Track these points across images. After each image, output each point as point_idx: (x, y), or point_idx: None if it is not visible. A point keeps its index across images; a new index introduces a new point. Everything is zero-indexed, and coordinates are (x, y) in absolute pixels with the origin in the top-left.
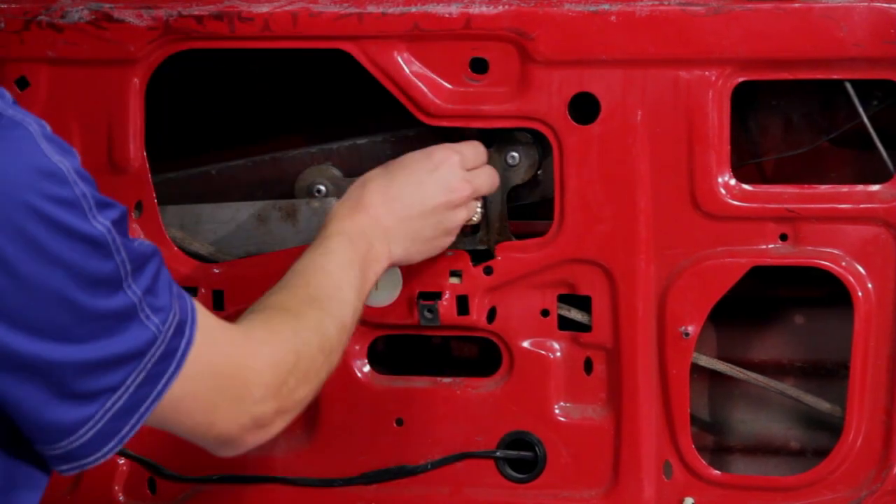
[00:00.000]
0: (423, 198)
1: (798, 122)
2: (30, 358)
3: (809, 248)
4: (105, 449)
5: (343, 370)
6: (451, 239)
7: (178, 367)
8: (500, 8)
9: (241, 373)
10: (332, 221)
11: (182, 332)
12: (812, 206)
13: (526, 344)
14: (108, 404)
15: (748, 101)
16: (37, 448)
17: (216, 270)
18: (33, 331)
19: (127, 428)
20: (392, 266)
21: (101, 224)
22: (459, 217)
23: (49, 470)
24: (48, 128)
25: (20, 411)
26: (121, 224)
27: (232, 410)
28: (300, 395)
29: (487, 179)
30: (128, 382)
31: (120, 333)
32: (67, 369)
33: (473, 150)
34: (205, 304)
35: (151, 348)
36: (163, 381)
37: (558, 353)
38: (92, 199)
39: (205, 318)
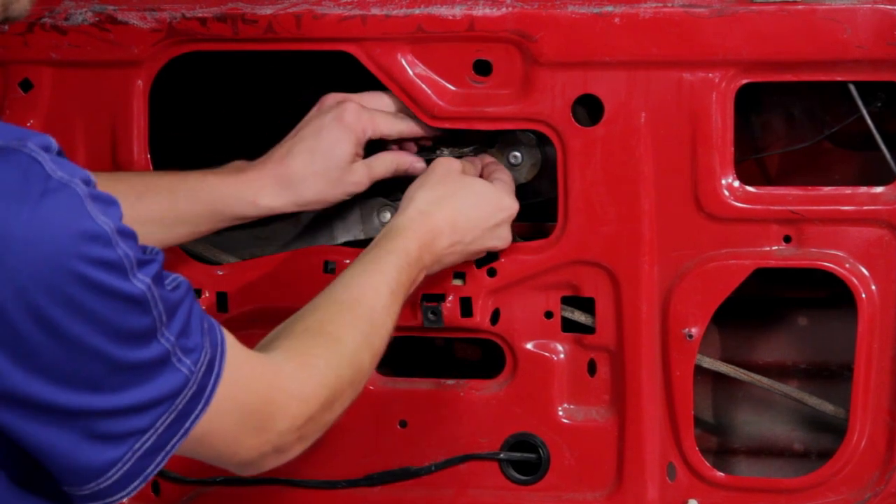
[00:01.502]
0: (483, 233)
1: (800, 119)
2: (62, 407)
3: (813, 249)
4: (130, 487)
5: None
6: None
7: (206, 404)
8: (504, 10)
9: (267, 408)
10: (402, 236)
11: (212, 370)
12: (816, 207)
13: (529, 346)
14: (137, 445)
15: (751, 99)
16: (64, 488)
17: (220, 272)
18: (67, 383)
19: (153, 466)
20: None
21: (141, 282)
22: (493, 244)
23: None
24: (92, 181)
25: (49, 455)
26: (159, 276)
27: (255, 441)
28: (324, 421)
29: None
30: (157, 424)
31: (152, 380)
32: (99, 416)
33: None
34: (208, 305)
35: (183, 391)
36: (190, 419)
37: (562, 355)
38: (134, 258)
39: (233, 352)
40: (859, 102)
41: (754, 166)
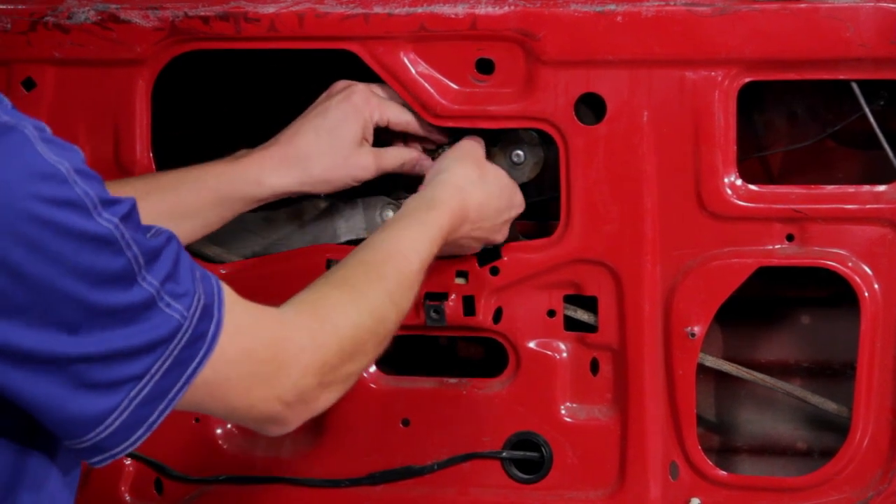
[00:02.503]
0: (496, 225)
1: (803, 118)
2: (43, 354)
3: (816, 248)
4: (134, 437)
5: None
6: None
7: (209, 351)
8: (507, 8)
9: (276, 356)
10: (439, 210)
11: (210, 315)
12: (818, 206)
13: (532, 344)
14: (133, 393)
15: (753, 98)
16: (66, 444)
17: (223, 271)
18: (44, 328)
19: (155, 415)
20: None
21: (107, 221)
22: (503, 237)
23: (60, 469)
24: (47, 130)
25: (42, 408)
26: (130, 218)
27: (268, 392)
28: (346, 371)
29: None
30: (153, 370)
31: (139, 324)
32: (83, 362)
33: None
34: None
35: (177, 335)
36: (192, 366)
37: (564, 354)
38: (96, 197)
39: (234, 302)
40: (862, 101)
41: (757, 165)
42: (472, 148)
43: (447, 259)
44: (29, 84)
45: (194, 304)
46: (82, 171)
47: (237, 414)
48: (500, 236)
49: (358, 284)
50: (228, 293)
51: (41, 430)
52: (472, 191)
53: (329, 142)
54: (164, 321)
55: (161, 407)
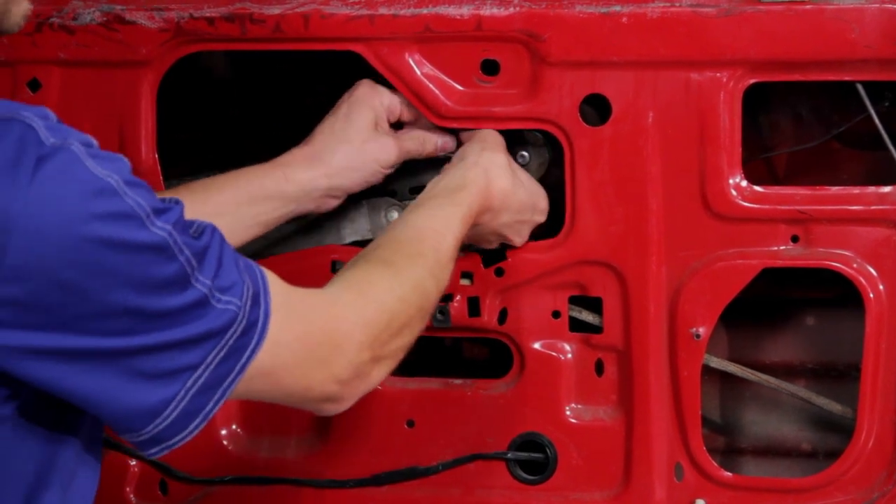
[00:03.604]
0: (517, 223)
1: (808, 119)
2: (99, 351)
3: (821, 249)
4: (191, 427)
5: None
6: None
7: (261, 338)
8: (512, 10)
9: (330, 337)
10: (467, 191)
11: (258, 304)
12: (823, 207)
13: (537, 345)
14: (190, 382)
15: (759, 99)
16: (124, 436)
17: None
18: (100, 334)
19: (211, 404)
20: None
21: (160, 229)
22: (524, 236)
23: (87, 469)
24: (94, 143)
25: (101, 403)
26: (180, 223)
27: (325, 373)
28: (395, 345)
29: None
30: (208, 360)
31: (194, 321)
32: (139, 354)
33: None
34: None
35: (232, 326)
36: (246, 354)
37: (569, 355)
38: (149, 207)
39: (280, 286)
40: (867, 102)
41: (762, 166)
42: (497, 138)
43: None
44: (34, 85)
45: (244, 294)
46: (131, 181)
47: (294, 397)
48: (519, 238)
49: (398, 262)
50: (273, 279)
51: (75, 428)
52: (498, 176)
53: (343, 131)
54: (218, 314)
55: (217, 395)
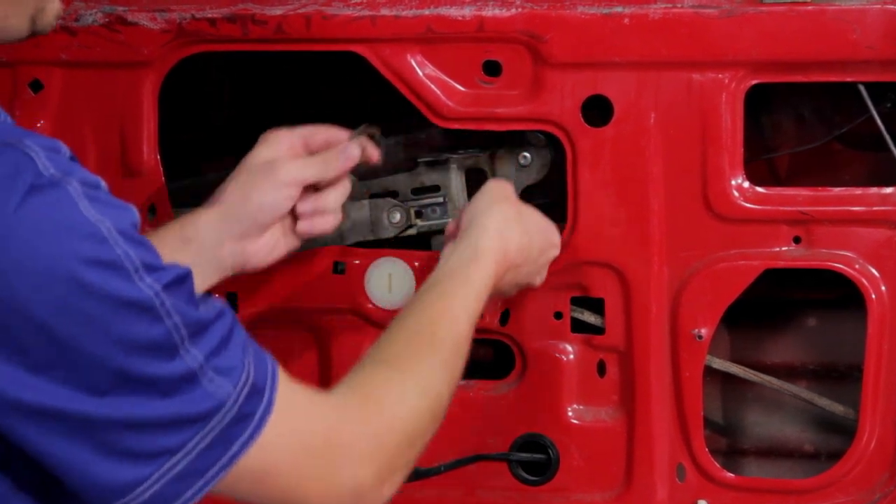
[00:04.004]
0: (537, 267)
1: (810, 120)
2: (71, 413)
3: (823, 250)
4: None
5: None
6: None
7: (255, 433)
8: (513, 10)
9: (332, 447)
10: (483, 263)
11: (259, 395)
12: (825, 208)
13: (539, 346)
14: (167, 467)
15: (760, 100)
16: None
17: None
18: (74, 388)
19: (191, 492)
20: None
21: (147, 286)
22: (537, 282)
23: None
24: (102, 185)
25: (68, 469)
26: (177, 287)
27: (323, 485)
28: (403, 461)
29: None
30: (189, 446)
31: (178, 397)
32: (113, 426)
33: None
34: None
35: (219, 412)
36: (235, 446)
37: (571, 356)
38: (138, 260)
39: (288, 386)
40: (869, 103)
41: (764, 167)
42: (503, 187)
43: None
44: (36, 86)
45: (241, 382)
46: (126, 232)
47: None
48: (540, 279)
49: (410, 360)
50: (285, 380)
51: (57, 491)
52: (512, 233)
53: (251, 186)
54: (205, 396)
55: (198, 485)
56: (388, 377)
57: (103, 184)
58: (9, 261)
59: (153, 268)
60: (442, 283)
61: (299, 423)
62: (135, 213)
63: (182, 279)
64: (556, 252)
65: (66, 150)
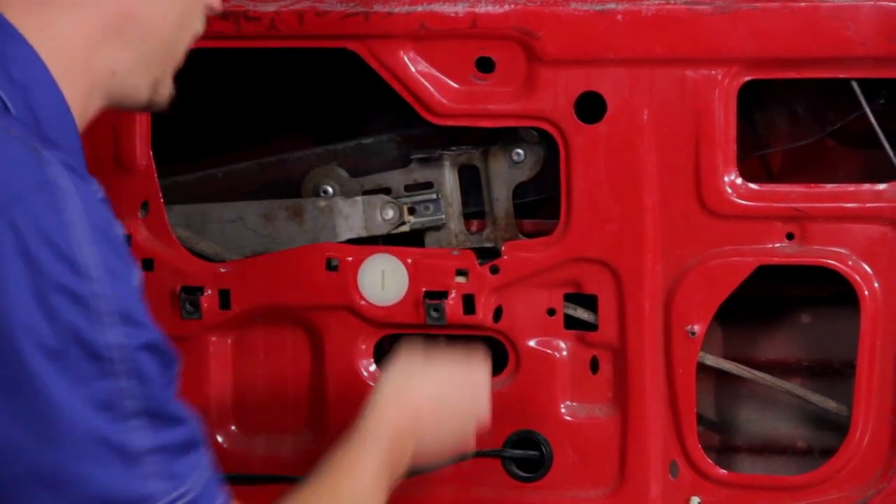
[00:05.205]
0: (463, 418)
1: (803, 117)
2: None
3: (816, 247)
4: None
5: (349, 369)
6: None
7: None
8: (507, 7)
9: None
10: (378, 411)
11: None
12: (819, 205)
13: (532, 343)
14: None
15: (754, 96)
16: None
17: (222, 270)
18: (10, 412)
19: None
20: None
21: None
22: (468, 441)
23: None
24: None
25: None
26: (154, 360)
27: None
28: None
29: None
30: None
31: (105, 470)
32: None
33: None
34: (210, 303)
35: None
36: None
37: (564, 353)
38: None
39: None
40: (862, 100)
41: (757, 163)
42: (414, 347)
43: (447, 257)
44: None
45: (177, 495)
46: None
47: None
48: (481, 418)
49: None
50: None
51: None
52: (415, 386)
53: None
54: (132, 487)
55: None
56: None
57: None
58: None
59: (139, 324)
60: (345, 441)
61: None
62: (137, 273)
63: (169, 359)
64: (482, 416)
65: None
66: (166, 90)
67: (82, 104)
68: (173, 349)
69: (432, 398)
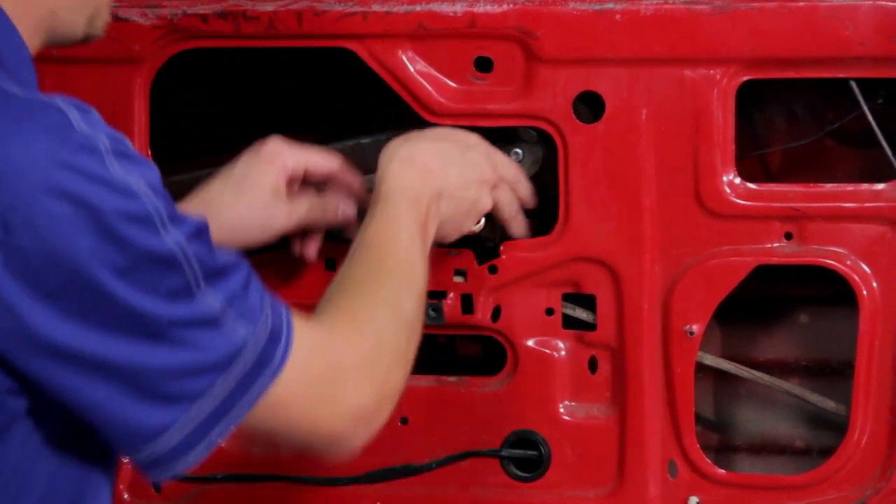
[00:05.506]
0: (468, 169)
1: (802, 116)
2: (106, 358)
3: (814, 246)
4: (193, 454)
5: None
6: (474, 224)
7: (275, 375)
8: (505, 6)
9: (334, 371)
10: (389, 180)
11: (277, 339)
12: (817, 204)
13: (530, 343)
14: (193, 410)
15: (752, 96)
16: (126, 454)
17: None
18: (110, 334)
19: (215, 433)
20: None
21: (172, 239)
22: (487, 201)
23: (97, 483)
24: (126, 140)
25: (99, 415)
26: (197, 238)
27: (332, 409)
28: (395, 379)
29: (512, 178)
30: (214, 389)
31: (200, 342)
32: (144, 372)
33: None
34: None
35: (240, 357)
36: (256, 387)
37: (563, 352)
38: (165, 214)
39: (300, 326)
40: (861, 99)
41: (756, 163)
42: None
43: (445, 257)
44: None
45: (260, 327)
46: (155, 186)
47: (300, 434)
48: (486, 174)
49: (373, 285)
50: (297, 318)
51: (82, 442)
52: (416, 147)
53: (235, 190)
54: (226, 341)
55: (222, 426)
56: (364, 303)
57: (127, 140)
58: (47, 213)
59: (177, 220)
60: (371, 222)
61: (307, 357)
62: (157, 169)
63: (202, 230)
64: (485, 146)
65: (93, 110)
66: (102, 22)
67: (30, 47)
68: (199, 217)
69: (435, 153)
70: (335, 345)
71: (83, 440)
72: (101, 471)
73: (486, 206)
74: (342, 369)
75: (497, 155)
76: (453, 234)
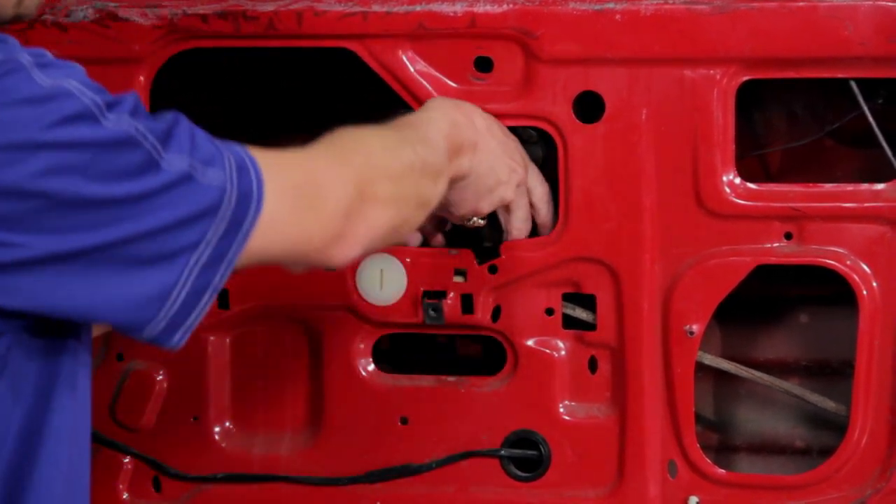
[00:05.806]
0: (508, 150)
1: (802, 116)
2: (90, 248)
3: (814, 246)
4: (202, 302)
5: (347, 369)
6: (488, 207)
7: (259, 204)
8: (505, 7)
9: (311, 179)
10: (435, 107)
11: (246, 170)
12: (817, 204)
13: (530, 343)
14: (192, 262)
15: (752, 96)
16: (139, 336)
17: None
18: (83, 230)
19: (218, 277)
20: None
21: (118, 121)
22: (509, 193)
23: (86, 368)
24: (47, 55)
25: (104, 304)
26: (136, 111)
27: (318, 214)
28: (386, 189)
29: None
30: (208, 237)
31: (183, 197)
32: (133, 242)
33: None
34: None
35: (223, 198)
36: (246, 222)
37: (563, 352)
38: (102, 103)
39: (261, 153)
40: (860, 99)
41: (755, 163)
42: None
43: (445, 257)
44: None
45: (227, 166)
46: (85, 82)
47: (298, 249)
48: (515, 162)
49: (378, 129)
50: (252, 148)
51: (69, 329)
52: (461, 102)
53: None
54: (205, 189)
55: (223, 268)
56: (362, 134)
57: (48, 52)
58: None
59: (114, 103)
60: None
61: (279, 176)
62: (81, 67)
63: (137, 102)
64: (521, 173)
65: (10, 37)
66: (32, 2)
67: None
68: (128, 93)
69: (484, 119)
70: (316, 157)
71: (70, 327)
72: (86, 356)
73: (507, 196)
74: (318, 172)
75: (533, 166)
76: (464, 208)
